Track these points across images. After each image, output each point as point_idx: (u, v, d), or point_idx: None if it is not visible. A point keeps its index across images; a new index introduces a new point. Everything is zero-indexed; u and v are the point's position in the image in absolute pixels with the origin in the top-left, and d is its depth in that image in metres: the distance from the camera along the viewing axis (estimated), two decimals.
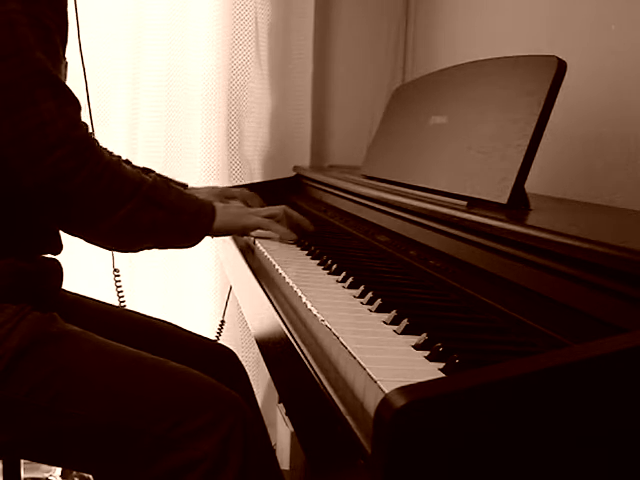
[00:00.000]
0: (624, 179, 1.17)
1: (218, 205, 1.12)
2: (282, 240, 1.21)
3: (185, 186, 1.43)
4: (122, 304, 1.54)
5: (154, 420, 0.89)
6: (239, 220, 1.13)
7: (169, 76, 1.94)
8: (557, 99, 0.96)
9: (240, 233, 1.20)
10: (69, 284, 1.18)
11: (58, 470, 1.86)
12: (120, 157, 1.39)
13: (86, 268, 1.88)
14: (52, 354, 0.92)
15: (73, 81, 1.23)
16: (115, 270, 1.53)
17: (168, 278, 1.98)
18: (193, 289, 2.00)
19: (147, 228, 1.02)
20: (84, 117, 1.35)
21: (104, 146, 1.41)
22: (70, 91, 0.97)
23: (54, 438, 0.91)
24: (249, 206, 1.45)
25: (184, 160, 1.97)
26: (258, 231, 1.19)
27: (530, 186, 0.97)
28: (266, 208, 1.23)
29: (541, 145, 0.95)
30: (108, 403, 0.90)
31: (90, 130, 1.01)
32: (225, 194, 1.47)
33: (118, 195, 0.98)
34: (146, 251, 1.09)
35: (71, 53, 1.16)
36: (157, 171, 1.40)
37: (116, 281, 1.53)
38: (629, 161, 1.16)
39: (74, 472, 1.84)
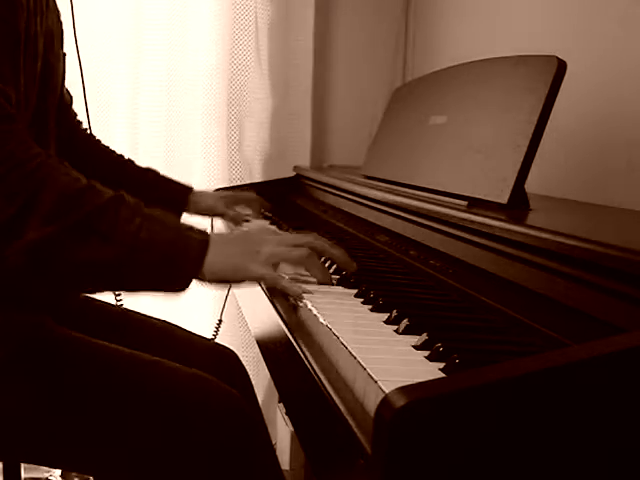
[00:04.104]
0: (624, 179, 1.17)
1: (215, 239, 0.84)
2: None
3: (190, 189, 1.39)
4: (118, 301, 1.54)
5: (152, 423, 0.88)
6: (237, 272, 0.86)
7: (169, 76, 1.94)
8: (557, 99, 0.96)
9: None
10: None
11: (58, 470, 1.86)
12: (122, 155, 1.39)
13: None
14: (43, 361, 0.90)
15: (71, 79, 1.23)
16: None
17: None
18: (192, 288, 1.99)
19: (83, 265, 0.78)
20: (82, 116, 1.35)
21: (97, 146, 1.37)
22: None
23: (50, 443, 0.90)
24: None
25: (184, 160, 1.97)
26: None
27: (530, 186, 0.97)
28: (287, 243, 0.88)
29: (541, 145, 0.95)
30: (104, 408, 0.89)
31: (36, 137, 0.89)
32: (232, 201, 1.43)
33: (29, 214, 0.76)
34: None
35: (69, 51, 1.16)
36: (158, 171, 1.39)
37: None
38: (629, 161, 1.16)
39: (74, 472, 1.84)
